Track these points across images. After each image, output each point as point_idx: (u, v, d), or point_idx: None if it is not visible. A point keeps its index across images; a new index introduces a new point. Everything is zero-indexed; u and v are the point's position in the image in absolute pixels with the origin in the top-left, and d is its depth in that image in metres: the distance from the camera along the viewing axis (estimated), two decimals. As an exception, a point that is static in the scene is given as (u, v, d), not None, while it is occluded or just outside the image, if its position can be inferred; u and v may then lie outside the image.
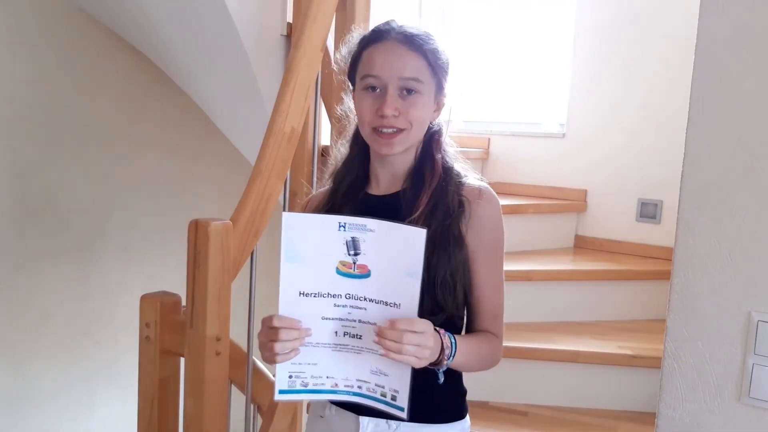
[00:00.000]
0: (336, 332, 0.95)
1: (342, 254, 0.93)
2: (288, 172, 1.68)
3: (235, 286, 1.55)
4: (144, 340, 1.65)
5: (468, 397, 2.06)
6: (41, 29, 2.58)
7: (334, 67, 1.21)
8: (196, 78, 2.58)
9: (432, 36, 1.11)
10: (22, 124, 2.60)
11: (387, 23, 1.12)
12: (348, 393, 0.97)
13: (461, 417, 1.17)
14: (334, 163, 1.21)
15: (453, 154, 1.16)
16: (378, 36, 1.09)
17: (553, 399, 2.06)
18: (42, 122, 2.65)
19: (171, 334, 1.62)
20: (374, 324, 0.94)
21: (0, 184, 2.56)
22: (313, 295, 0.94)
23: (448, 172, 1.11)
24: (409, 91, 1.06)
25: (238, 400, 1.71)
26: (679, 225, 1.00)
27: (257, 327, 1.26)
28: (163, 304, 1.64)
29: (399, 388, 0.95)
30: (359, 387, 0.97)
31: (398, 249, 0.92)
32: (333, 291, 0.94)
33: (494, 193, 1.12)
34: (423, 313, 1.02)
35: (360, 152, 1.16)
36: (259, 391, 1.73)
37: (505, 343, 2.03)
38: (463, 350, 1.04)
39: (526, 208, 2.65)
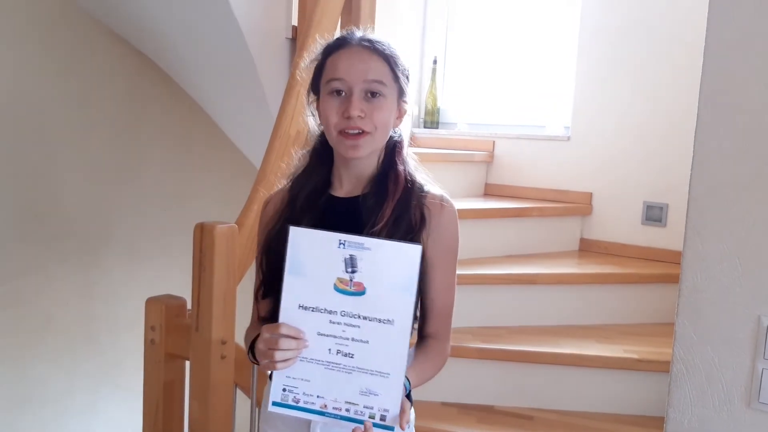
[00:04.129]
0: (330, 350, 0.98)
1: (340, 271, 0.96)
2: (293, 176, 1.67)
3: (240, 290, 1.55)
4: (149, 344, 1.65)
5: (473, 401, 2.07)
6: (46, 33, 2.59)
7: (299, 78, 1.22)
8: (201, 81, 2.58)
9: (392, 45, 1.14)
10: (27, 128, 2.60)
11: (349, 32, 1.15)
12: (335, 416, 0.98)
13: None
14: (293, 170, 1.22)
15: (414, 165, 1.18)
16: (341, 42, 1.12)
17: (558, 403, 2.05)
18: (47, 126, 2.65)
19: (176, 337, 1.62)
20: (367, 342, 0.97)
21: (5, 187, 2.56)
22: (311, 309, 0.97)
23: (410, 184, 1.14)
24: (374, 93, 1.09)
25: (242, 403, 1.71)
26: (688, 229, 1.00)
27: (262, 331, 1.26)
28: (169, 308, 1.64)
29: (389, 407, 0.97)
30: (347, 410, 0.98)
31: (393, 265, 0.96)
32: (330, 307, 0.97)
33: (452, 202, 1.15)
34: None
35: (321, 158, 1.18)
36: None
37: (510, 347, 2.06)
38: (416, 382, 1.08)
39: (530, 211, 2.64)
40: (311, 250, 0.96)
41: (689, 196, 0.99)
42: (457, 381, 2.03)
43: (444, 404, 2.05)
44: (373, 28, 2.06)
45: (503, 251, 2.55)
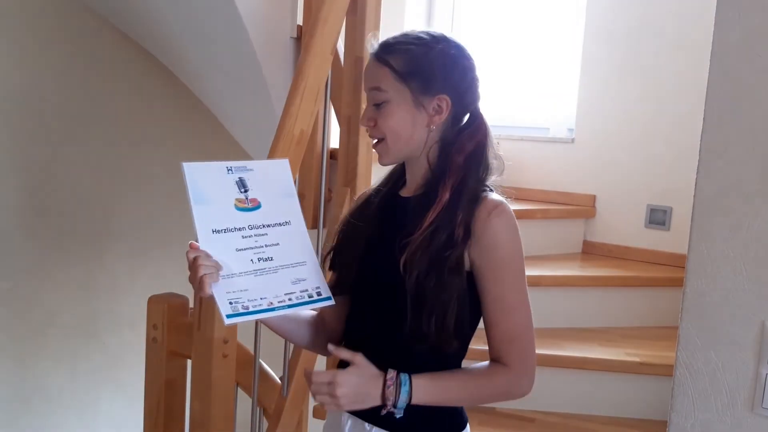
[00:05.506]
0: (252, 260, 1.08)
1: (236, 193, 1.10)
2: (297, 175, 1.67)
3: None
4: (151, 342, 1.65)
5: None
6: (51, 29, 2.59)
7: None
8: (205, 79, 2.58)
9: (413, 39, 1.08)
10: (30, 124, 2.60)
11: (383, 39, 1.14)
12: (283, 307, 1.08)
13: (457, 431, 1.13)
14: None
15: (483, 171, 1.09)
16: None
17: (560, 406, 2.05)
18: (50, 122, 2.66)
19: (178, 335, 1.62)
20: (278, 244, 1.09)
21: (8, 183, 2.57)
22: (223, 231, 1.07)
23: (459, 195, 1.04)
24: (378, 100, 1.08)
25: (243, 402, 1.71)
26: (693, 232, 0.99)
27: (264, 330, 1.26)
28: (171, 306, 1.64)
29: (318, 284, 1.10)
30: (290, 299, 1.08)
31: (273, 179, 1.13)
32: (237, 225, 1.09)
33: (507, 208, 1.06)
34: (403, 341, 1.02)
35: None
36: (265, 394, 1.73)
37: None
38: (431, 392, 1.03)
39: (534, 213, 2.63)
40: (207, 180, 1.09)
41: (694, 199, 0.99)
42: (458, 382, 2.03)
43: (445, 406, 2.04)
44: (378, 27, 2.06)
45: (506, 253, 2.54)
